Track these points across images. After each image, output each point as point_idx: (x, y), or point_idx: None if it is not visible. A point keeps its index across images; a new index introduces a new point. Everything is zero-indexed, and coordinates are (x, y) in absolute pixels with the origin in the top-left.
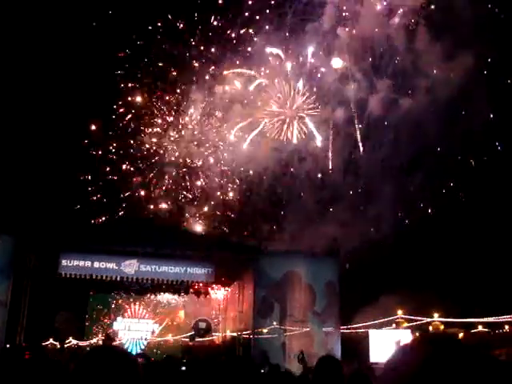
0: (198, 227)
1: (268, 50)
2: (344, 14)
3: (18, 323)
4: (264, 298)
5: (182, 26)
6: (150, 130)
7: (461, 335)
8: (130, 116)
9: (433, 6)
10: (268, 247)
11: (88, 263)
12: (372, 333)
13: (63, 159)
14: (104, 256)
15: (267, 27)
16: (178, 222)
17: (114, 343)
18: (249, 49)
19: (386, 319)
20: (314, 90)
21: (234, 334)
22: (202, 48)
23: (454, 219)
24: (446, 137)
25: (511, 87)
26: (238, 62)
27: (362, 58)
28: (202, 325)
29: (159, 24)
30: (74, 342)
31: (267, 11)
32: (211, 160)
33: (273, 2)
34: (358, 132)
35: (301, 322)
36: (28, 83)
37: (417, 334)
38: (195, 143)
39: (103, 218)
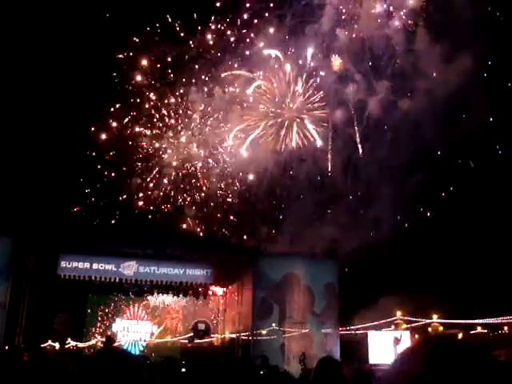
0: (197, 229)
1: (267, 51)
2: (343, 15)
3: (16, 324)
4: (263, 300)
5: (180, 27)
6: (149, 132)
7: (460, 336)
8: (128, 118)
9: (432, 8)
10: (267, 249)
11: (87, 265)
12: (371, 334)
13: (62, 160)
14: (103, 257)
15: (266, 29)
16: (177, 223)
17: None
18: (247, 52)
19: (385, 321)
20: (314, 91)
21: (233, 336)
22: (201, 50)
23: (453, 221)
24: (446, 139)
25: (511, 90)
26: (236, 65)
27: (361, 59)
28: (201, 326)
29: (158, 25)
30: (73, 343)
31: (266, 13)
32: (210, 161)
33: (272, 4)
34: (357, 133)
35: (300, 324)
36: (26, 86)
37: (416, 336)
38: (194, 145)
39: (102, 220)
